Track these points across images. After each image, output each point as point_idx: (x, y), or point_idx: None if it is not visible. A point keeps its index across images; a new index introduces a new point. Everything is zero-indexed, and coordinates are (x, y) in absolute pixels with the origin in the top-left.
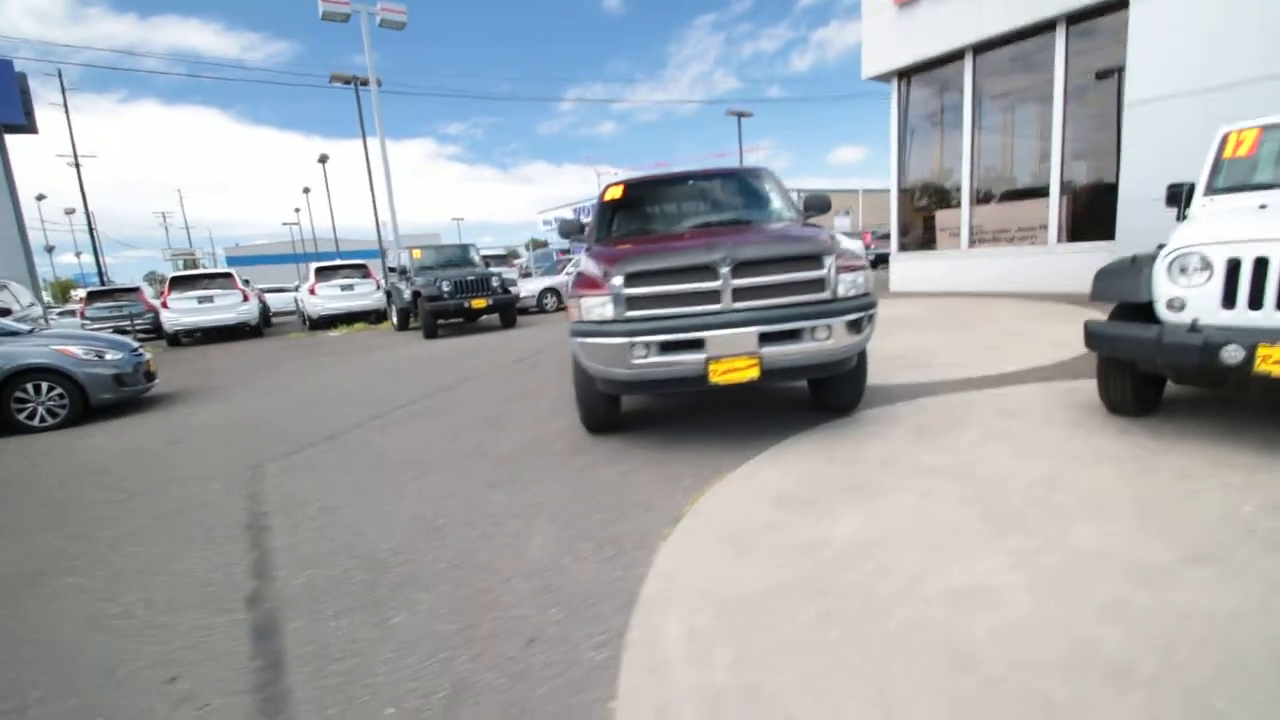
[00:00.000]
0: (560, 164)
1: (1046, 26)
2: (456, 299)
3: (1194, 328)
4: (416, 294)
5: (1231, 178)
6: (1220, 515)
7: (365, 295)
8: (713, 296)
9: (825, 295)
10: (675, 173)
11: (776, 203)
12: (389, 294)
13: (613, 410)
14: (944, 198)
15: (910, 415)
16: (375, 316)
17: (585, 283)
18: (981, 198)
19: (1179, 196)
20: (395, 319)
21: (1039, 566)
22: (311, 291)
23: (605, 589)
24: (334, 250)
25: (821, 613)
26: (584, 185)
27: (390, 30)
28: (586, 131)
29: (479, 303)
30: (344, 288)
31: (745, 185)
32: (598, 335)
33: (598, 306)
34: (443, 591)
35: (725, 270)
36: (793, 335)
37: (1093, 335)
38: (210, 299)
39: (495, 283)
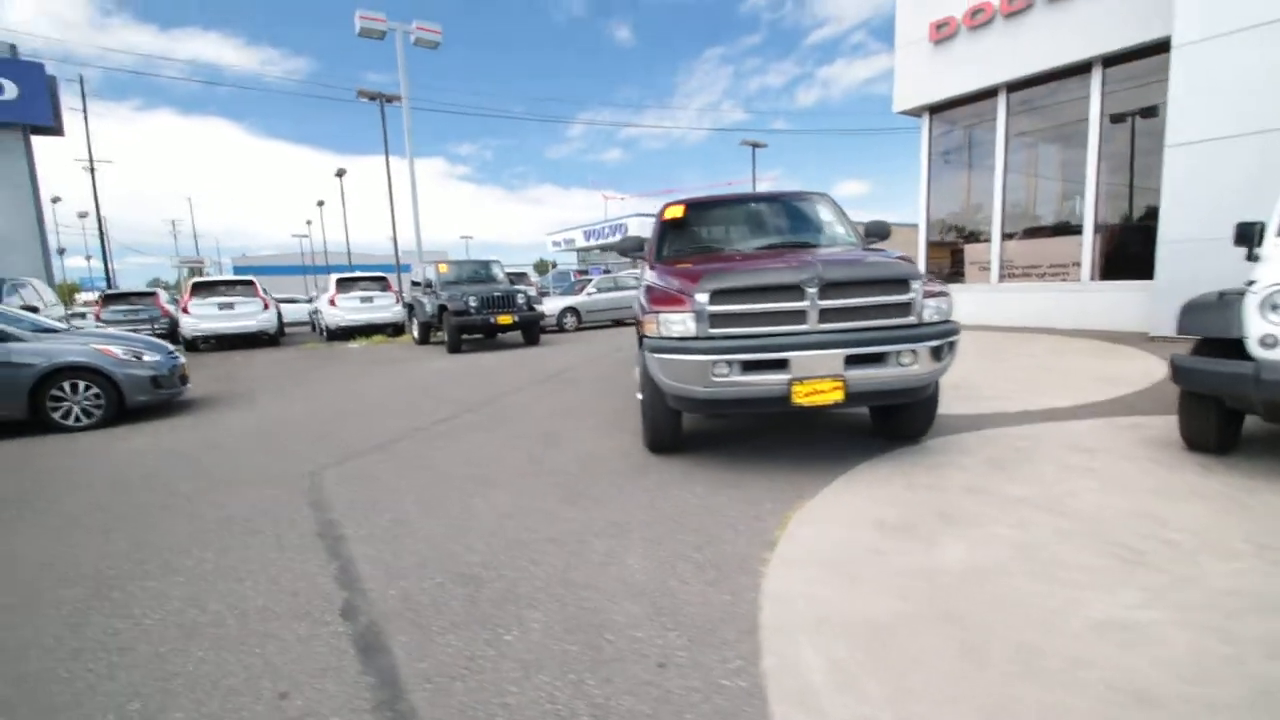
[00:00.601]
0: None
1: (1083, 68)
2: (483, 314)
3: None
4: (442, 308)
5: None
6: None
7: (385, 308)
8: (799, 317)
9: (911, 320)
10: (736, 194)
11: (840, 227)
12: (410, 307)
13: (678, 430)
14: (973, 232)
15: (978, 446)
16: (393, 329)
17: (664, 298)
18: (1010, 234)
19: (1249, 236)
20: (416, 332)
21: (1179, 602)
22: (332, 302)
23: (720, 613)
24: (344, 264)
25: (967, 645)
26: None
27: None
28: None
29: (505, 319)
30: (364, 300)
31: (808, 208)
32: (678, 352)
33: (678, 323)
34: (550, 609)
35: (813, 290)
36: (878, 359)
37: (1180, 370)
38: (231, 306)
39: (521, 299)
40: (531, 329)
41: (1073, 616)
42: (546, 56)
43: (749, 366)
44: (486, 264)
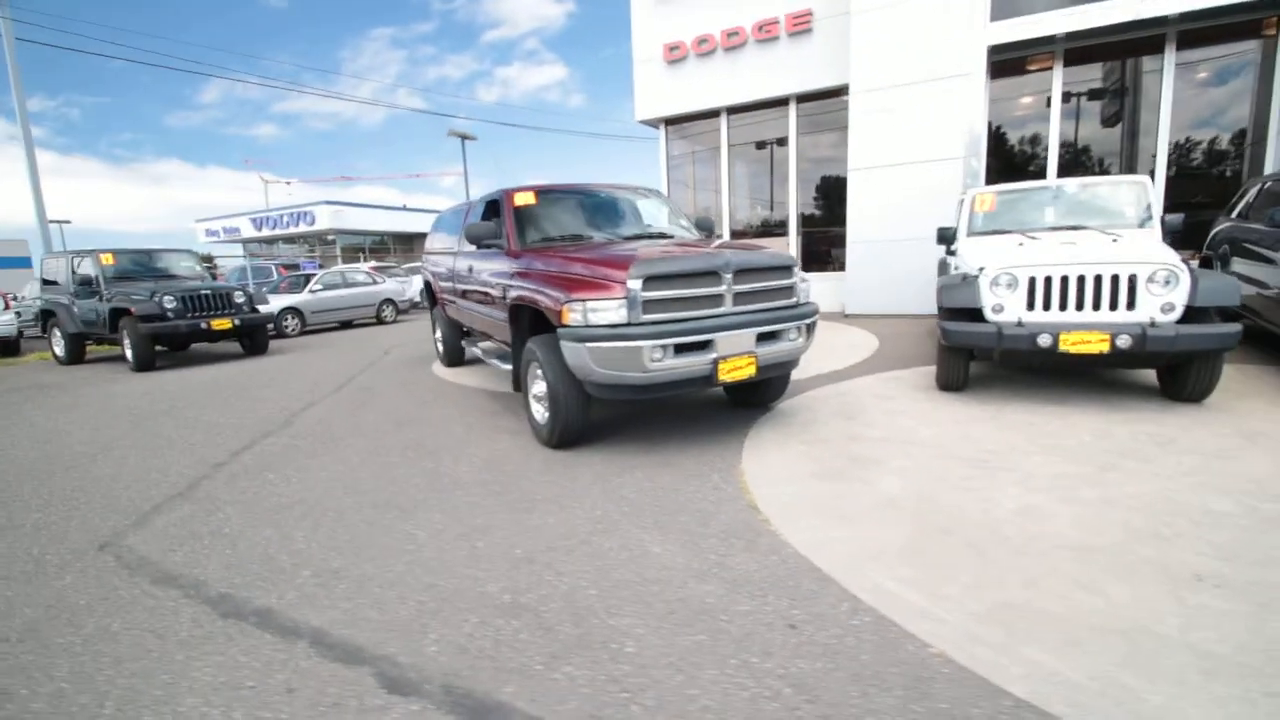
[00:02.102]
0: (203, 165)
1: (782, 101)
2: (190, 319)
3: (1020, 323)
4: (118, 312)
5: (984, 225)
6: (1096, 432)
7: None
8: (717, 300)
9: (795, 300)
10: (581, 185)
11: (681, 220)
12: (44, 315)
13: (587, 420)
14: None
15: (813, 405)
16: (2, 348)
17: (583, 284)
18: (738, 233)
19: (948, 237)
20: (61, 348)
21: (1037, 487)
22: None
23: (784, 570)
24: None
25: (964, 540)
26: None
27: None
28: (239, 130)
29: (221, 323)
30: None
31: (651, 203)
32: (610, 339)
33: (608, 309)
34: (638, 612)
35: (729, 276)
36: (777, 336)
37: (949, 333)
38: None
39: (240, 298)
40: (258, 335)
41: (997, 508)
42: (170, 11)
43: (680, 349)
44: (173, 254)
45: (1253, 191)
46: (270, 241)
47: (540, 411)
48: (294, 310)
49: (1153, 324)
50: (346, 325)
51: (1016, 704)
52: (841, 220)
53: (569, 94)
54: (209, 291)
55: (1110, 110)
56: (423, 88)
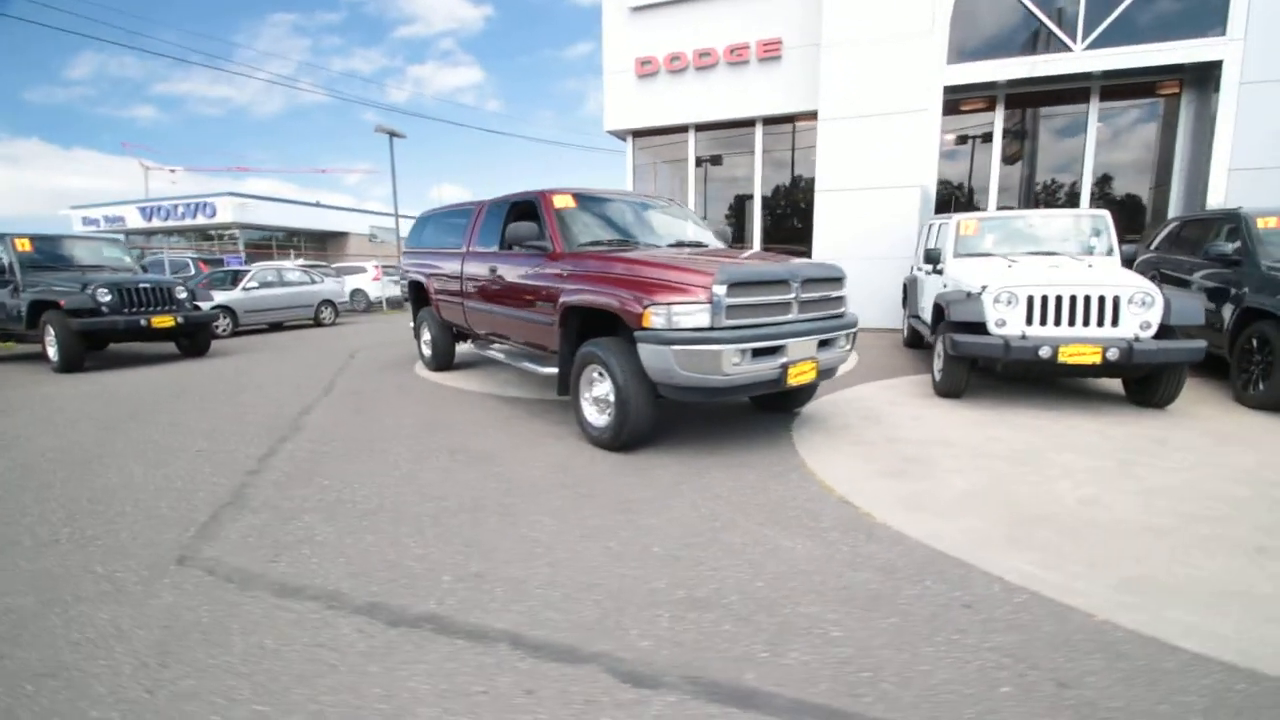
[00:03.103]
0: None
1: (749, 122)
2: (128, 315)
3: (1024, 337)
4: (42, 306)
5: (967, 248)
6: (1098, 434)
7: None
8: (786, 308)
9: (843, 310)
10: (612, 191)
11: (710, 230)
12: None
13: (653, 423)
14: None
15: (837, 410)
16: None
17: (668, 289)
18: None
19: (935, 257)
20: None
21: (1081, 480)
22: None
23: (914, 556)
24: None
25: (1059, 529)
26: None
27: None
28: (112, 112)
29: (163, 321)
30: None
31: (680, 212)
32: (696, 343)
33: (693, 314)
34: (821, 604)
35: (797, 285)
36: (832, 343)
37: (959, 345)
38: None
39: (183, 293)
40: (201, 335)
41: (1062, 499)
42: None
43: (757, 353)
44: (96, 242)
45: (1171, 227)
46: (166, 234)
47: (595, 414)
48: (226, 309)
49: (1137, 339)
50: (277, 327)
51: (1194, 657)
52: (802, 237)
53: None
54: (148, 285)
55: (1012, 149)
56: (327, 80)
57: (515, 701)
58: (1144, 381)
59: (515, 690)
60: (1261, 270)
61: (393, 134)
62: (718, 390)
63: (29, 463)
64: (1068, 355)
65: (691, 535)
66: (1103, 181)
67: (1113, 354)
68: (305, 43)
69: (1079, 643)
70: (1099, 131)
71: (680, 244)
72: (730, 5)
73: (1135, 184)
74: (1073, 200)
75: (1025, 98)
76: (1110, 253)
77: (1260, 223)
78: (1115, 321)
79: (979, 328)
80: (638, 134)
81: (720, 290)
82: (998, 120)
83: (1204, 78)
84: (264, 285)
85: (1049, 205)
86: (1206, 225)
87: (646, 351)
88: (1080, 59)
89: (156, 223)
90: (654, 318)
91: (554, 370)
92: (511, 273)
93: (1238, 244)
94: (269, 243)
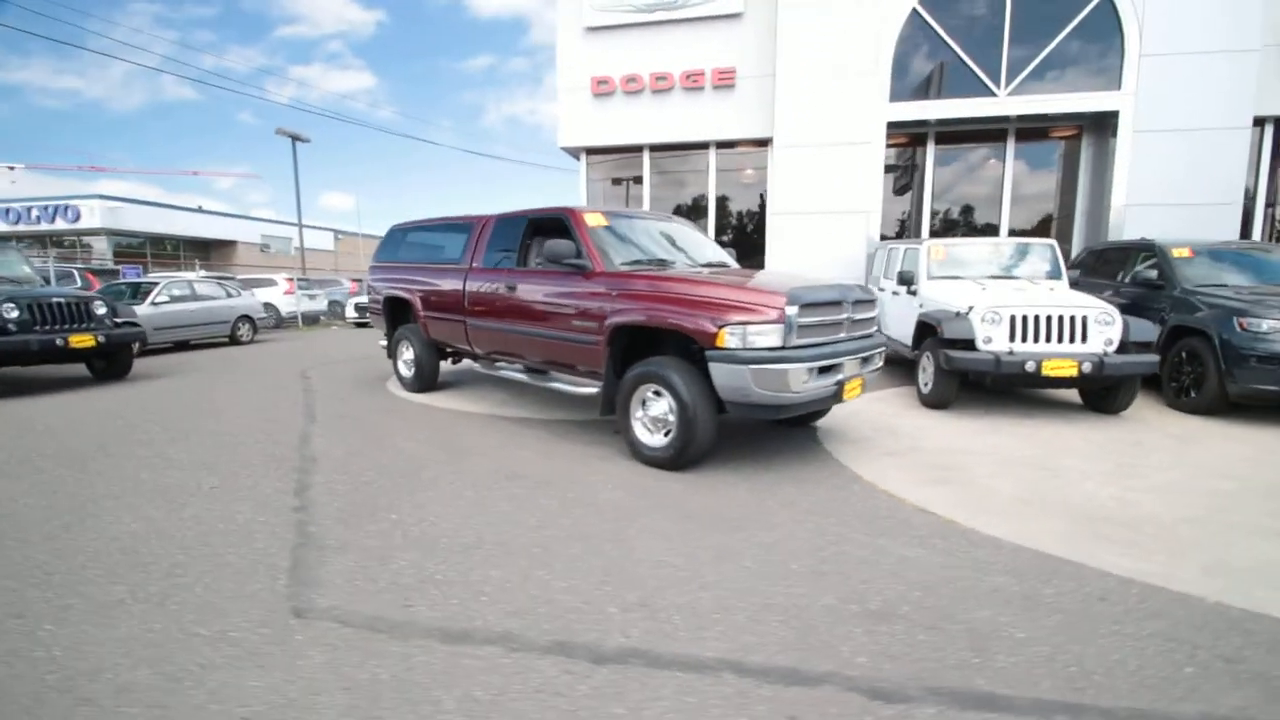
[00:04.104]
0: None
1: (704, 145)
2: (42, 334)
3: (1011, 353)
4: None
5: (938, 271)
6: (1083, 439)
7: None
8: (839, 327)
9: (875, 330)
10: (635, 211)
11: (723, 250)
12: None
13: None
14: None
15: (844, 425)
16: None
17: (741, 309)
18: None
19: (909, 279)
20: None
21: (1101, 479)
22: None
23: (1022, 558)
24: None
25: (1119, 524)
26: None
27: None
28: None
29: (82, 340)
30: None
31: (696, 233)
32: (770, 362)
33: (768, 334)
34: (988, 608)
35: (850, 305)
36: (871, 360)
37: (952, 359)
38: None
39: (101, 308)
40: (123, 355)
41: (1097, 499)
42: None
43: (822, 371)
44: None
45: (1084, 256)
46: (17, 240)
47: (647, 434)
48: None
49: (1106, 354)
50: (182, 346)
51: None
52: (749, 256)
53: (377, 104)
54: (63, 300)
55: (901, 183)
56: (195, 77)
57: None
58: (1105, 391)
59: (778, 717)
60: (1183, 293)
61: (295, 138)
62: (785, 407)
63: (8, 512)
64: (1050, 369)
65: (814, 550)
66: (1014, 213)
67: (1087, 367)
68: (170, 34)
69: (1212, 623)
70: (1015, 168)
71: (710, 265)
72: (687, 31)
73: (1043, 216)
74: (992, 230)
75: (952, 135)
76: (1060, 277)
77: (1175, 252)
78: (1084, 338)
79: (968, 344)
80: (591, 151)
81: (792, 311)
82: (929, 154)
83: (1101, 124)
84: (176, 300)
85: (971, 234)
86: (1122, 253)
87: (721, 370)
88: (1003, 103)
89: (5, 226)
90: (729, 338)
91: (592, 390)
92: (537, 291)
93: (1156, 271)
94: (140, 251)
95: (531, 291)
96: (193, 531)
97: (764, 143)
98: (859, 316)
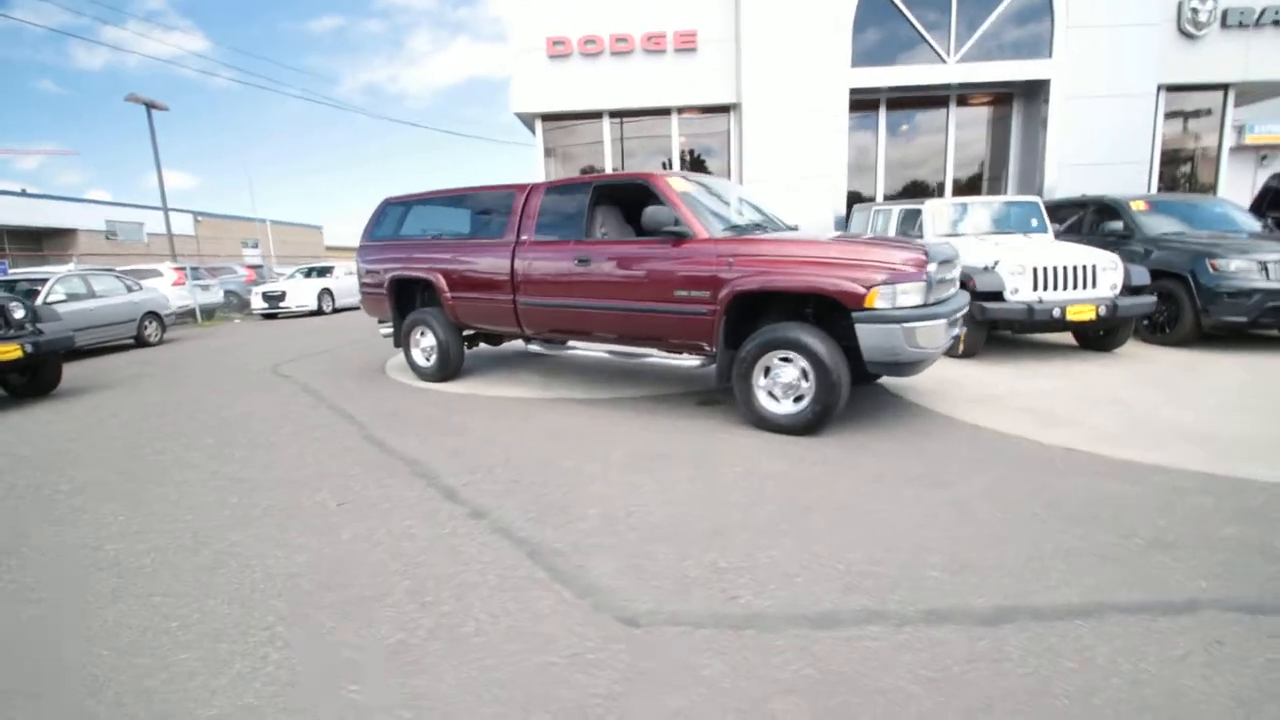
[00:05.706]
0: None
1: (666, 111)
2: None
3: (1041, 301)
4: None
5: (940, 230)
6: (1104, 376)
7: None
8: (952, 284)
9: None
10: (704, 176)
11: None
12: None
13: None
14: None
15: (898, 380)
16: None
17: (887, 268)
18: None
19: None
20: None
21: (1151, 411)
22: None
23: (1198, 482)
24: None
25: (1262, 444)
26: None
27: None
28: None
29: (7, 351)
30: None
31: (757, 196)
32: (926, 319)
33: (915, 292)
34: (1185, 521)
35: (956, 262)
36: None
37: (986, 311)
38: None
39: (20, 313)
40: (50, 368)
41: (1171, 420)
42: None
43: (950, 325)
44: None
45: None
46: None
47: (773, 402)
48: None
49: (1117, 298)
50: (73, 354)
51: None
52: None
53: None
54: None
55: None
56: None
57: (1219, 654)
58: (1105, 332)
59: (1201, 645)
60: (1149, 241)
61: (151, 105)
62: (924, 362)
63: (85, 563)
64: (1073, 314)
65: (1029, 495)
66: (955, 174)
67: (1103, 310)
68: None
69: None
70: (956, 133)
71: (791, 227)
72: None
73: (977, 175)
74: (939, 190)
75: (901, 101)
76: (1046, 231)
77: (1134, 205)
78: (1094, 284)
79: (997, 296)
80: (547, 117)
81: (933, 268)
82: (881, 119)
83: (1032, 90)
84: (73, 298)
85: (919, 194)
86: (1076, 209)
87: (870, 331)
88: (951, 70)
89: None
90: (879, 299)
91: (693, 363)
92: (621, 262)
93: (1121, 223)
94: None
95: (612, 263)
96: (379, 554)
97: (726, 108)
98: (951, 275)
